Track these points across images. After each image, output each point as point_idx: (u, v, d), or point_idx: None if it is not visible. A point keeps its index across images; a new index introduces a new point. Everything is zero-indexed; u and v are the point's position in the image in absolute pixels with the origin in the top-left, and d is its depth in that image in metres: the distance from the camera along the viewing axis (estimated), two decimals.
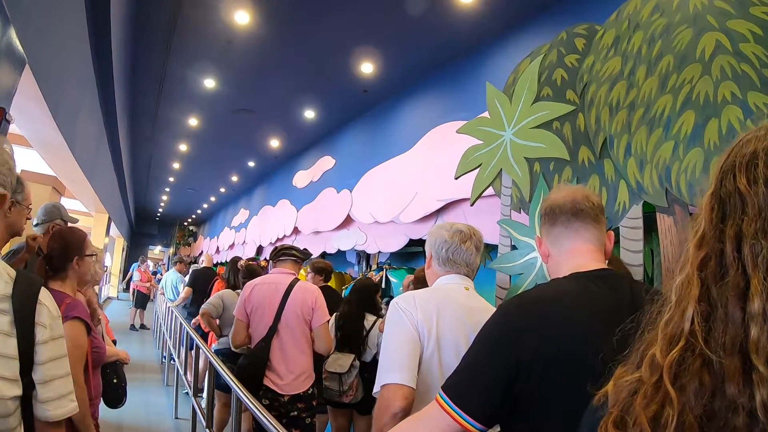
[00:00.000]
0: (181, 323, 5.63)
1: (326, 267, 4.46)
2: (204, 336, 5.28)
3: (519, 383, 1.05)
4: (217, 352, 4.21)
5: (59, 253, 2.11)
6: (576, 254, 1.24)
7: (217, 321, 4.52)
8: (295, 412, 2.96)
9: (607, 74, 2.57)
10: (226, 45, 6.34)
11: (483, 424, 1.05)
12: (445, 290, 1.71)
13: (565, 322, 1.10)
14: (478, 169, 3.53)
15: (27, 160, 6.66)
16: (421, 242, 6.70)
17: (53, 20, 3.59)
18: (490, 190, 3.48)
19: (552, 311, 1.12)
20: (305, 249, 3.47)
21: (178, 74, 7.47)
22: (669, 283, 0.63)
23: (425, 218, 6.06)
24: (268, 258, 5.29)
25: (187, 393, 5.08)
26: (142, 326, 11.88)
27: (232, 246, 16.26)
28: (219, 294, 4.82)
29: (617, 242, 2.32)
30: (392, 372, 1.47)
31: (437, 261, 1.79)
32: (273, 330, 3.02)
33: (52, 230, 2.44)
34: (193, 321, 5.91)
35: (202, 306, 4.56)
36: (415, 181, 6.24)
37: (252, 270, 4.52)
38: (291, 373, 2.99)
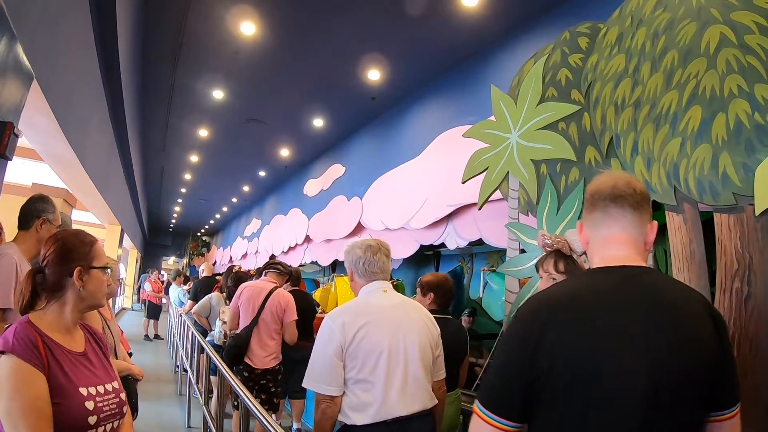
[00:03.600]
0: (193, 332, 5.66)
1: (293, 272, 5.18)
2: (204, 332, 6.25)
3: (538, 384, 1.10)
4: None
5: (54, 265, 1.49)
6: (609, 244, 1.22)
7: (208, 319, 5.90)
8: (264, 381, 4.00)
9: (611, 72, 2.53)
10: (233, 56, 6.38)
11: (517, 422, 1.13)
12: (367, 300, 2.05)
13: (576, 326, 1.12)
14: (485, 173, 3.49)
15: (38, 173, 6.76)
16: (432, 248, 6.66)
17: (60, 35, 3.64)
18: (500, 194, 3.44)
19: (565, 314, 1.14)
20: (290, 266, 4.71)
21: (187, 86, 7.55)
22: None
23: (436, 224, 6.01)
24: (256, 268, 6.42)
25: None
26: (156, 336, 11.96)
27: (245, 255, 16.31)
28: (208, 297, 6.14)
29: None
30: (322, 384, 1.87)
31: (357, 274, 2.13)
32: (254, 322, 4.02)
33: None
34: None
35: (194, 308, 6.03)
36: (425, 187, 6.21)
37: (239, 277, 5.58)
38: (263, 354, 4.01)
